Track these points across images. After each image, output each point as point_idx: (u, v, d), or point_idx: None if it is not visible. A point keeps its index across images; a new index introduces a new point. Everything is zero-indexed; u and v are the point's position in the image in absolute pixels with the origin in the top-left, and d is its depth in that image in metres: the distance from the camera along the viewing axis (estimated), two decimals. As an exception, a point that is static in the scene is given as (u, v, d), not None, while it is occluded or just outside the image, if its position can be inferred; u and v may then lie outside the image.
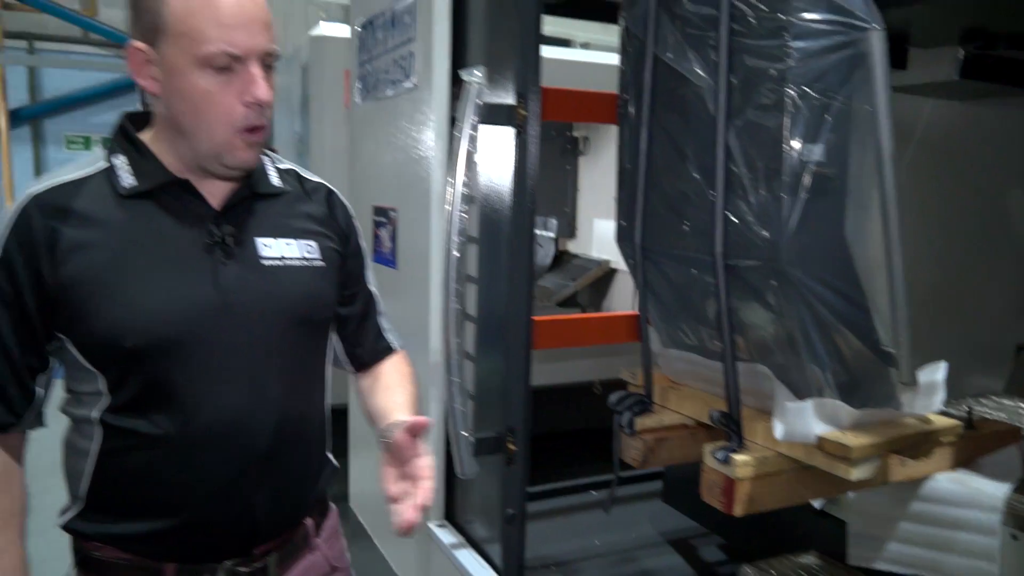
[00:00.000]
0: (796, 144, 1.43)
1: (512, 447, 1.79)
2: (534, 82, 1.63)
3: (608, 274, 3.83)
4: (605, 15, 2.50)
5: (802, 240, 1.48)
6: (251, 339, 1.19)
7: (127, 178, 1.15)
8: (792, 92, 1.41)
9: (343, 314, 1.40)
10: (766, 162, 1.48)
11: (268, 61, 1.13)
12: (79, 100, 7.67)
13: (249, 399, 1.19)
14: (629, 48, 1.88)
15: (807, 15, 1.39)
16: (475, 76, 1.63)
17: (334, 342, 1.43)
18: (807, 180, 1.45)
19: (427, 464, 1.22)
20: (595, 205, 3.89)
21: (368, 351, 1.45)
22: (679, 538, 2.76)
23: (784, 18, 1.41)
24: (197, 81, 1.09)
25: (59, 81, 7.66)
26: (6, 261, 1.10)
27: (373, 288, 1.46)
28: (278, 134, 4.35)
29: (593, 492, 3.28)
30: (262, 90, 1.10)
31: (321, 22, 3.35)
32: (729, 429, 1.72)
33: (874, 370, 1.65)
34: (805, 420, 1.57)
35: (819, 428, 1.59)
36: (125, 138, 1.20)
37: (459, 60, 1.91)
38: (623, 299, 3.74)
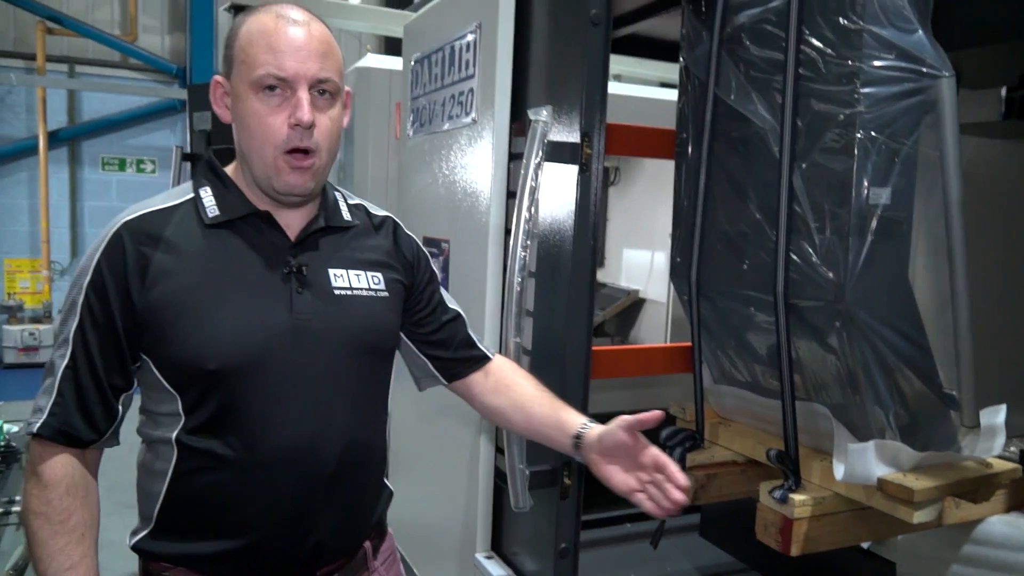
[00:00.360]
0: (864, 187, 1.45)
1: (568, 481, 1.79)
2: (600, 121, 1.66)
3: (637, 303, 3.84)
4: (664, 54, 2.55)
5: (867, 282, 1.50)
6: (321, 365, 1.22)
7: (211, 208, 1.21)
8: (862, 137, 1.43)
9: (425, 333, 1.44)
10: (833, 204, 1.50)
11: (322, 88, 1.16)
12: (115, 123, 7.83)
13: (316, 423, 1.22)
14: (688, 87, 1.91)
15: (878, 62, 1.42)
16: (542, 115, 1.67)
17: (422, 360, 1.47)
18: (874, 223, 1.47)
19: (657, 452, 1.26)
20: (624, 235, 3.91)
21: (461, 361, 1.47)
22: (716, 573, 2.73)
23: (855, 64, 1.44)
24: (252, 104, 1.14)
25: (97, 104, 7.83)
26: (98, 283, 1.14)
27: (454, 306, 1.49)
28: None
29: (628, 525, 3.26)
30: (304, 112, 1.12)
31: (368, 54, 3.42)
32: (786, 468, 1.72)
33: (934, 412, 1.65)
34: (866, 461, 1.57)
35: (880, 470, 1.58)
36: (210, 170, 1.26)
37: (518, 96, 1.95)
38: (651, 328, 3.74)
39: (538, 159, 1.66)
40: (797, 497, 1.67)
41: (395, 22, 3.72)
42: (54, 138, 7.60)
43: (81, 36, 7.63)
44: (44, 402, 1.15)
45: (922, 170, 1.50)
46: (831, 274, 1.52)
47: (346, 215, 1.33)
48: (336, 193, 1.34)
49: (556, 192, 1.83)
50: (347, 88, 1.27)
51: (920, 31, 1.43)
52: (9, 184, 7.65)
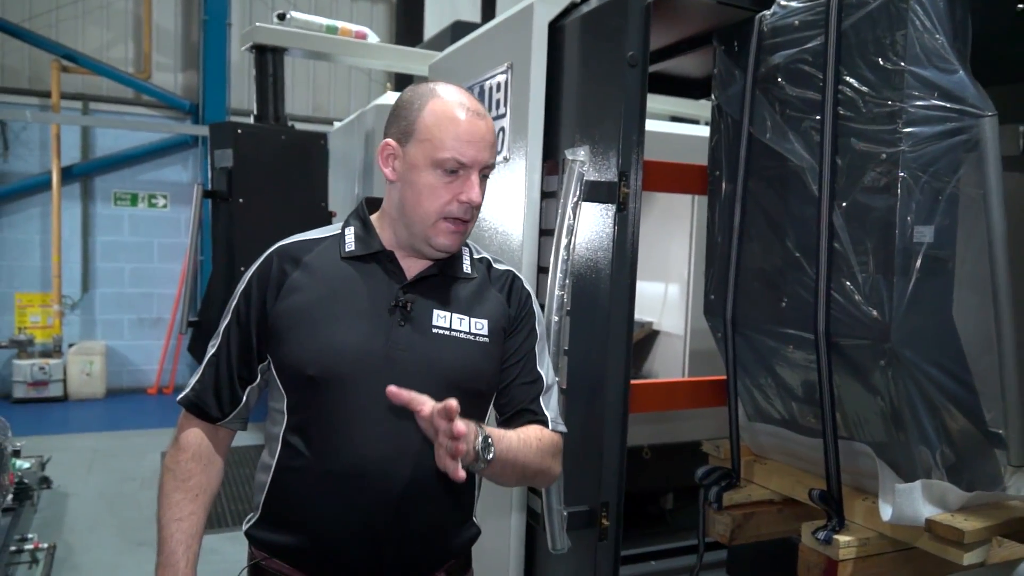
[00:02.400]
0: (908, 226, 1.45)
1: (606, 522, 1.77)
2: (638, 160, 1.67)
3: (651, 336, 3.82)
4: (696, 92, 2.58)
5: (912, 321, 1.49)
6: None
7: (349, 244, 1.39)
8: (905, 176, 1.44)
9: (501, 387, 1.43)
10: (876, 243, 1.50)
11: (486, 172, 1.33)
12: (128, 158, 7.86)
13: (390, 447, 1.29)
14: (721, 125, 1.93)
15: (920, 102, 1.43)
16: (579, 155, 1.68)
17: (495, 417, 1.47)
18: (918, 262, 1.47)
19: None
20: (638, 267, 3.90)
21: (516, 423, 1.41)
22: (745, 613, 2.69)
23: (896, 104, 1.45)
24: (428, 177, 1.30)
25: (110, 140, 7.87)
26: (248, 291, 1.37)
27: (542, 370, 1.47)
28: (341, 195, 4.44)
29: (652, 563, 3.22)
30: (475, 194, 1.30)
31: (388, 92, 3.45)
32: (829, 508, 1.70)
33: (981, 451, 1.63)
34: (914, 502, 1.55)
35: (928, 510, 1.56)
36: (358, 215, 1.44)
37: (549, 135, 1.97)
38: (665, 361, 3.71)
39: (575, 198, 1.67)
40: (842, 538, 1.65)
41: (416, 60, 3.77)
42: (67, 174, 7.64)
43: (96, 74, 7.71)
44: (192, 380, 1.39)
45: (963, 208, 1.50)
46: (875, 313, 1.51)
47: (466, 267, 1.44)
48: (464, 247, 1.46)
49: (591, 230, 1.83)
50: None
51: (961, 71, 1.45)
52: (22, 220, 7.67)
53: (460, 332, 1.36)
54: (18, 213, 7.65)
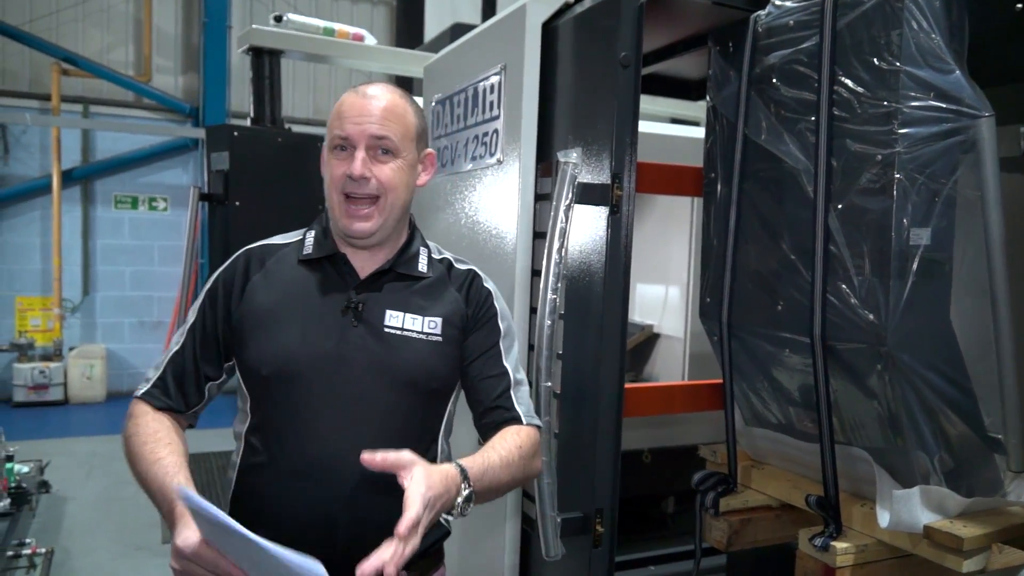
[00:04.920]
0: (905, 228, 1.43)
1: (600, 528, 1.75)
2: (631, 162, 1.65)
3: (651, 338, 3.80)
4: (693, 93, 2.56)
5: (909, 324, 1.47)
6: (357, 392, 1.34)
7: (308, 247, 1.44)
8: (901, 177, 1.42)
9: (468, 384, 1.46)
10: (872, 245, 1.48)
11: (380, 145, 1.34)
12: (128, 161, 7.87)
13: (345, 443, 1.30)
14: (716, 126, 1.91)
15: (916, 102, 1.41)
16: (571, 157, 1.66)
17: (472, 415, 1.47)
18: (915, 264, 1.45)
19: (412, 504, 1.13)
20: (638, 269, 3.87)
21: (490, 422, 1.44)
22: (744, 620, 2.65)
23: (892, 105, 1.42)
24: (329, 160, 1.37)
25: (110, 143, 7.88)
26: (213, 292, 1.42)
27: (509, 365, 1.47)
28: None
29: (652, 568, 3.19)
30: (356, 166, 1.32)
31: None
32: (827, 515, 1.67)
33: (980, 457, 1.61)
34: (912, 508, 1.53)
35: (926, 517, 1.54)
36: (320, 220, 1.48)
37: (543, 137, 1.95)
38: (666, 364, 3.69)
39: (568, 201, 1.65)
40: (839, 545, 1.62)
41: (411, 62, 3.75)
42: (68, 177, 7.65)
43: (96, 77, 7.72)
44: (152, 374, 1.41)
45: (961, 210, 1.48)
46: (872, 316, 1.49)
47: (422, 266, 1.46)
48: (423, 247, 1.49)
49: (585, 233, 1.81)
50: (430, 150, 1.47)
51: (957, 71, 1.43)
52: (22, 223, 7.68)
53: (412, 332, 1.38)
54: (18, 216, 7.65)
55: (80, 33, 7.82)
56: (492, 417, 1.42)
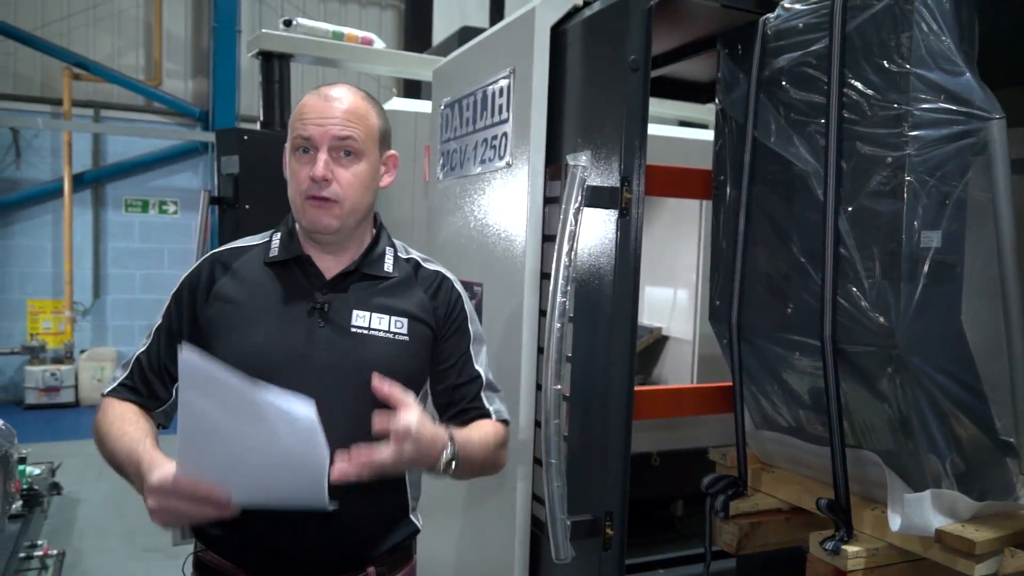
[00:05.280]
0: (915, 231, 1.42)
1: (610, 531, 1.75)
2: (640, 165, 1.65)
3: (660, 341, 3.80)
4: (702, 96, 2.56)
5: (920, 327, 1.46)
6: (324, 390, 1.31)
7: (274, 250, 1.45)
8: (911, 180, 1.41)
9: (439, 389, 1.49)
10: (882, 248, 1.47)
11: (343, 146, 1.36)
12: (139, 165, 7.94)
13: None
14: (725, 129, 1.90)
15: (926, 105, 1.41)
16: (581, 160, 1.66)
17: (434, 411, 1.50)
18: (926, 267, 1.44)
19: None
20: (646, 271, 3.86)
21: (463, 422, 1.46)
22: (755, 623, 2.64)
23: (902, 107, 1.42)
24: (292, 162, 1.39)
25: (121, 147, 7.95)
26: (179, 296, 1.44)
27: (480, 368, 1.51)
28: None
29: (661, 571, 3.18)
30: (318, 168, 1.34)
31: (394, 98, 3.45)
32: (837, 518, 1.67)
33: (991, 460, 1.60)
34: (923, 511, 1.52)
35: (938, 520, 1.53)
36: (286, 222, 1.50)
37: (552, 140, 1.95)
38: (675, 367, 3.69)
39: (577, 204, 1.65)
40: (850, 548, 1.62)
41: (420, 66, 3.76)
42: (79, 181, 7.72)
43: (107, 81, 7.78)
44: (120, 373, 1.45)
45: (972, 212, 1.48)
46: (882, 319, 1.49)
47: (387, 267, 1.48)
48: (389, 247, 1.50)
49: (594, 236, 1.81)
50: (393, 152, 1.49)
51: (968, 74, 1.42)
52: (34, 227, 7.75)
53: (379, 331, 1.40)
54: (30, 220, 7.72)
55: (91, 38, 7.89)
56: (464, 417, 1.46)
